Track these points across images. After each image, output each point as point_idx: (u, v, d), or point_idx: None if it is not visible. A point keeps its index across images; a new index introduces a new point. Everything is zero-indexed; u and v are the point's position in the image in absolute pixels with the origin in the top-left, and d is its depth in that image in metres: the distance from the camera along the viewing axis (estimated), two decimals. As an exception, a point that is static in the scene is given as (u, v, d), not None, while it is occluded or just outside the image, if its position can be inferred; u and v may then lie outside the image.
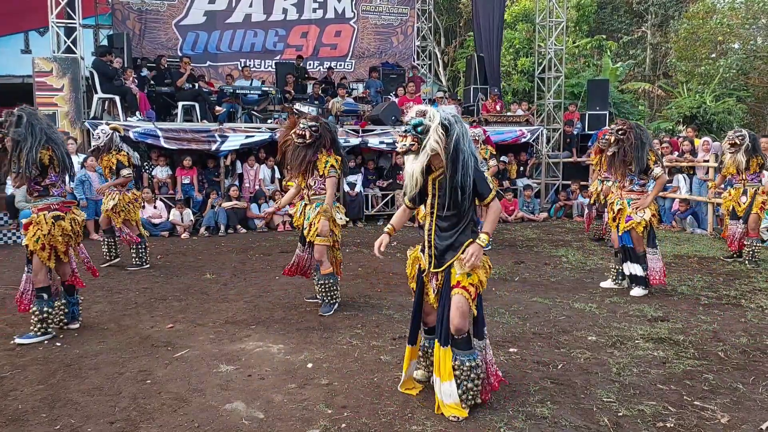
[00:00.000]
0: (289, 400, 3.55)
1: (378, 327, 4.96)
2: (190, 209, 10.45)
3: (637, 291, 5.96)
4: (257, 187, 11.26)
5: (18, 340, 4.55)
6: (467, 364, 3.29)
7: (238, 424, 3.27)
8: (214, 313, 5.39)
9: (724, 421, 3.30)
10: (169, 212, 10.25)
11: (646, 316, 5.26)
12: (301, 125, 5.19)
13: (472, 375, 3.30)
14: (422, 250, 3.51)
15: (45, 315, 4.59)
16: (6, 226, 9.40)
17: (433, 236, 3.40)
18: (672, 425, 3.24)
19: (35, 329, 4.58)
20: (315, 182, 5.25)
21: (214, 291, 6.26)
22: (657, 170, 5.90)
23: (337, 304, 5.44)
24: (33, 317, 4.60)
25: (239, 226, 10.50)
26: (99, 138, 6.83)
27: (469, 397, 3.32)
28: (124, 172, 6.96)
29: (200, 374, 3.95)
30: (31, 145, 4.29)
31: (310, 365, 4.10)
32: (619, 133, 5.89)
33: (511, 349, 4.38)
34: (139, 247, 7.33)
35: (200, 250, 8.78)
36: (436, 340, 3.38)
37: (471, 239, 3.34)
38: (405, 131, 3.31)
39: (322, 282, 5.36)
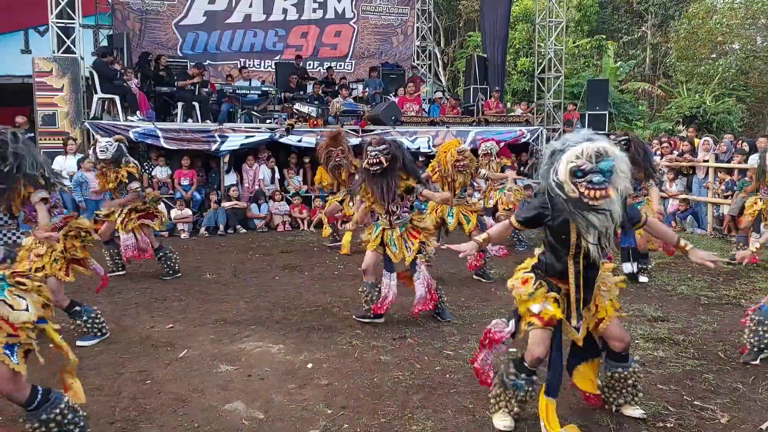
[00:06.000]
0: (289, 400, 3.55)
1: (378, 327, 4.96)
2: (189, 209, 10.44)
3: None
4: (257, 187, 11.25)
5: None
6: None
7: (238, 424, 3.27)
8: (214, 313, 5.39)
9: (724, 421, 3.30)
10: (169, 212, 10.24)
11: (646, 316, 5.26)
12: (372, 152, 4.77)
13: None
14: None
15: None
16: (6, 226, 9.37)
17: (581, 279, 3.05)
18: (672, 425, 3.25)
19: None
20: (398, 207, 5.00)
21: (214, 291, 6.26)
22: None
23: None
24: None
25: (239, 226, 10.49)
26: (106, 150, 6.29)
27: None
28: (134, 185, 6.48)
29: (200, 374, 3.96)
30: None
31: (310, 365, 4.10)
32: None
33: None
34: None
35: (200, 250, 8.77)
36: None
37: None
38: (600, 184, 2.68)
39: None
